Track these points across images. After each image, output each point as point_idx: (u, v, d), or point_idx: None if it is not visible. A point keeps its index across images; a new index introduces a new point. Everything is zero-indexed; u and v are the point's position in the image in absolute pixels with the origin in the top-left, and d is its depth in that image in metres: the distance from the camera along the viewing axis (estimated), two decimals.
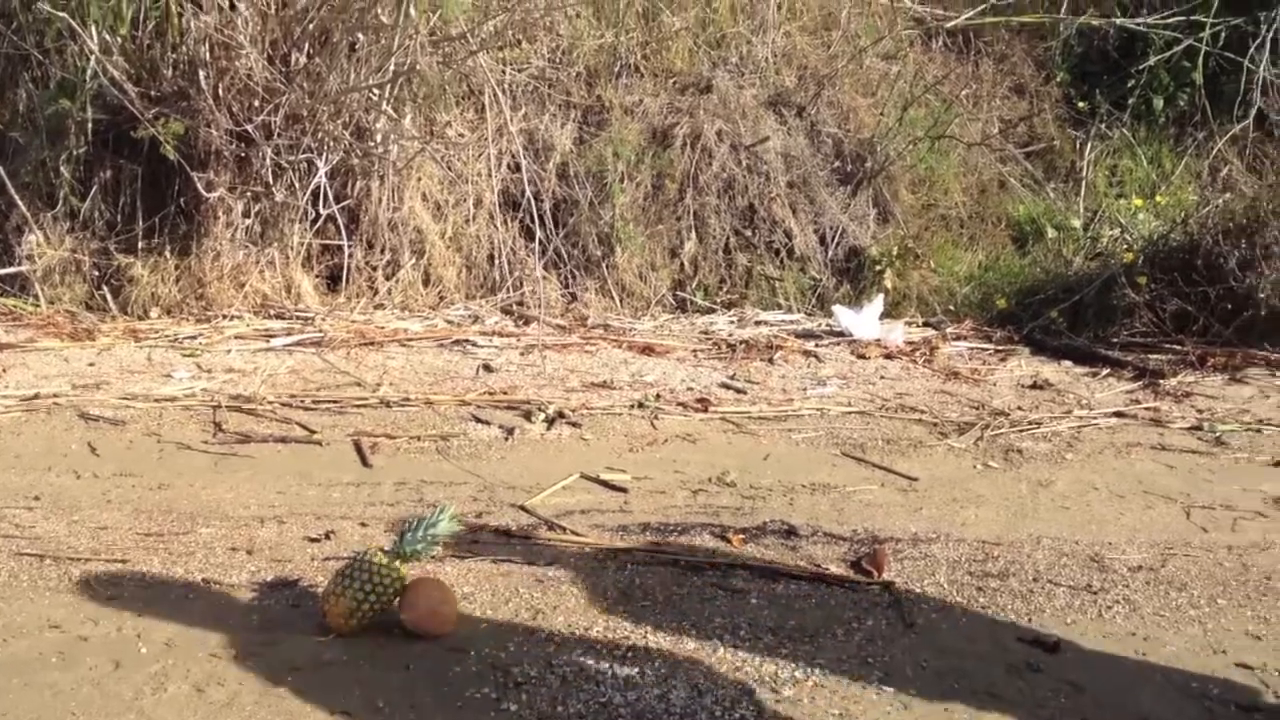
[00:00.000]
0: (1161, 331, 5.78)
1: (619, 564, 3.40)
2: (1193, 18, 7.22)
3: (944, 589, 3.34)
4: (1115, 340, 5.79)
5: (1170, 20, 7.22)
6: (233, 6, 5.56)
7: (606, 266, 6.11)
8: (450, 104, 6.09)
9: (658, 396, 4.75)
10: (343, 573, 3.00)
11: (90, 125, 5.58)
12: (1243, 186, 6.98)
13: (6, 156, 5.68)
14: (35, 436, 4.17)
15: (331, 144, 5.71)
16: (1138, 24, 7.35)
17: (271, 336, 5.26)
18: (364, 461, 4.10)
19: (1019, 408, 4.88)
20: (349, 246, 5.77)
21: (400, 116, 5.96)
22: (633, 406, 4.65)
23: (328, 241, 5.79)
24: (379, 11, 5.71)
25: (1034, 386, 5.20)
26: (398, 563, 2.99)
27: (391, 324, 5.54)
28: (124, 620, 3.04)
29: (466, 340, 5.39)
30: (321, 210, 5.70)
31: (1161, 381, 5.21)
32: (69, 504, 3.67)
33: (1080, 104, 7.74)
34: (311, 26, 5.63)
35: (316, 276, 5.83)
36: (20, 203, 5.55)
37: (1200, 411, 4.89)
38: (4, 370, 4.73)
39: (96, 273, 5.55)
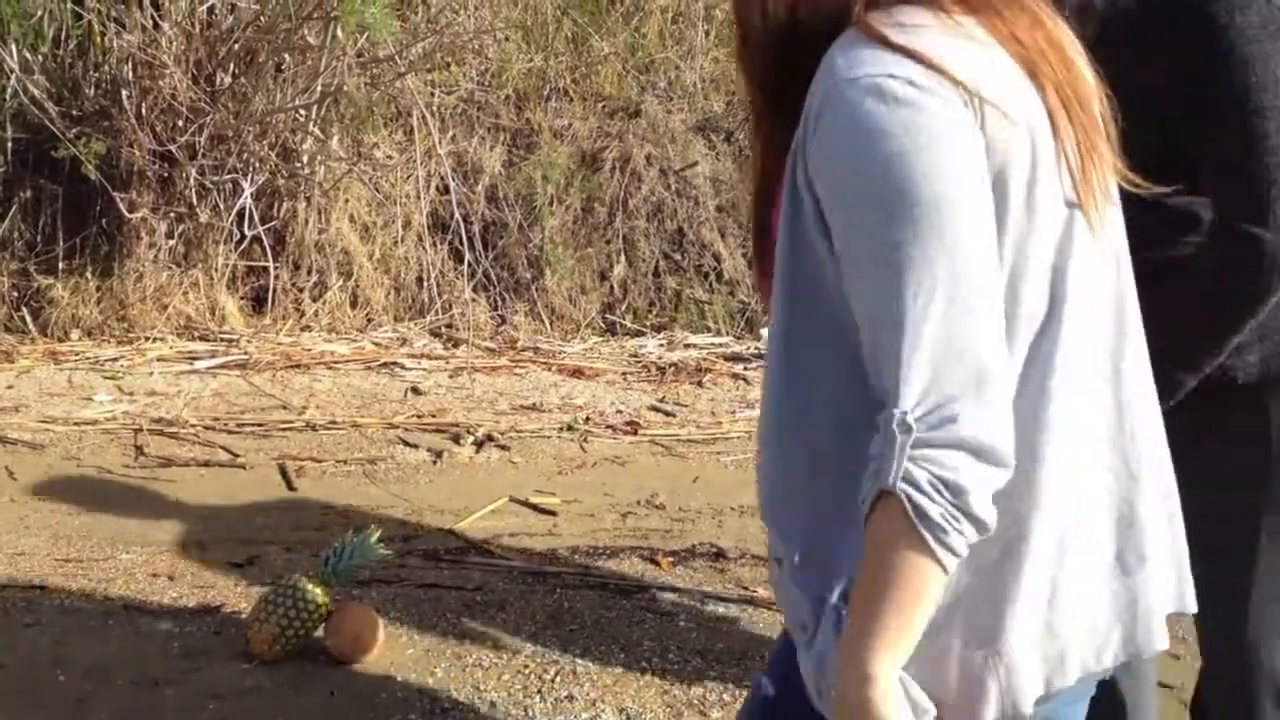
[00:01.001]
0: None
1: (548, 588, 3.40)
2: None
3: None
4: None
5: None
6: (156, 26, 5.50)
7: (536, 289, 6.11)
8: (378, 125, 6.06)
9: (587, 419, 4.75)
10: (266, 599, 2.97)
11: (10, 144, 5.48)
12: None
13: None
14: None
15: (257, 165, 5.66)
16: None
17: (195, 359, 5.19)
18: (289, 486, 4.05)
19: None
20: (275, 268, 5.71)
21: (327, 137, 5.92)
22: (562, 429, 4.65)
23: (253, 263, 5.72)
24: (306, 32, 5.67)
25: None
26: (321, 589, 2.96)
27: (319, 346, 5.49)
28: (41, 648, 2.98)
29: (395, 363, 5.35)
30: (247, 231, 5.64)
31: None
32: None
33: None
34: (237, 47, 5.58)
35: (241, 298, 5.76)
36: None
37: None
38: None
39: (15, 294, 5.45)
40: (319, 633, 2.98)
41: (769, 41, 1.26)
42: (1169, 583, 1.32)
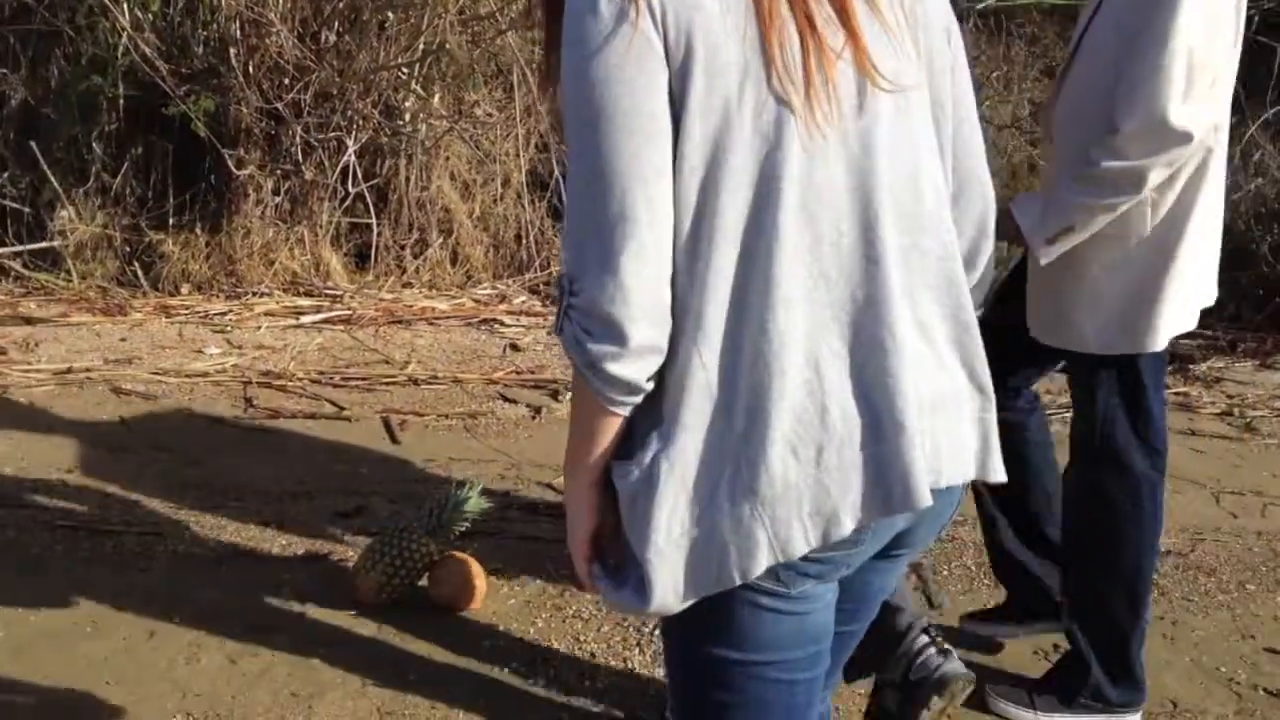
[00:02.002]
0: None
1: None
2: None
3: (971, 572, 3.34)
4: None
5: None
6: None
7: None
8: (479, 83, 6.08)
9: None
10: (373, 548, 3.03)
11: (122, 102, 5.60)
12: (1275, 171, 6.92)
13: (39, 133, 5.70)
14: (68, 410, 4.21)
15: (361, 122, 5.72)
16: None
17: (301, 314, 5.28)
18: (393, 439, 4.12)
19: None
20: (377, 225, 5.78)
21: (429, 95, 5.96)
22: None
23: (356, 220, 5.80)
24: None
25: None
26: (426, 540, 3.02)
27: (419, 302, 5.55)
28: (157, 592, 3.08)
29: (494, 319, 5.40)
30: (350, 189, 5.71)
31: (1191, 367, 5.18)
32: (102, 477, 3.70)
33: None
34: (341, 5, 5.63)
35: (345, 254, 5.84)
36: (53, 178, 5.58)
37: (1230, 397, 4.86)
38: (37, 344, 4.76)
39: (128, 249, 5.58)
40: (422, 582, 3.03)
41: None
42: (966, 450, 1.45)
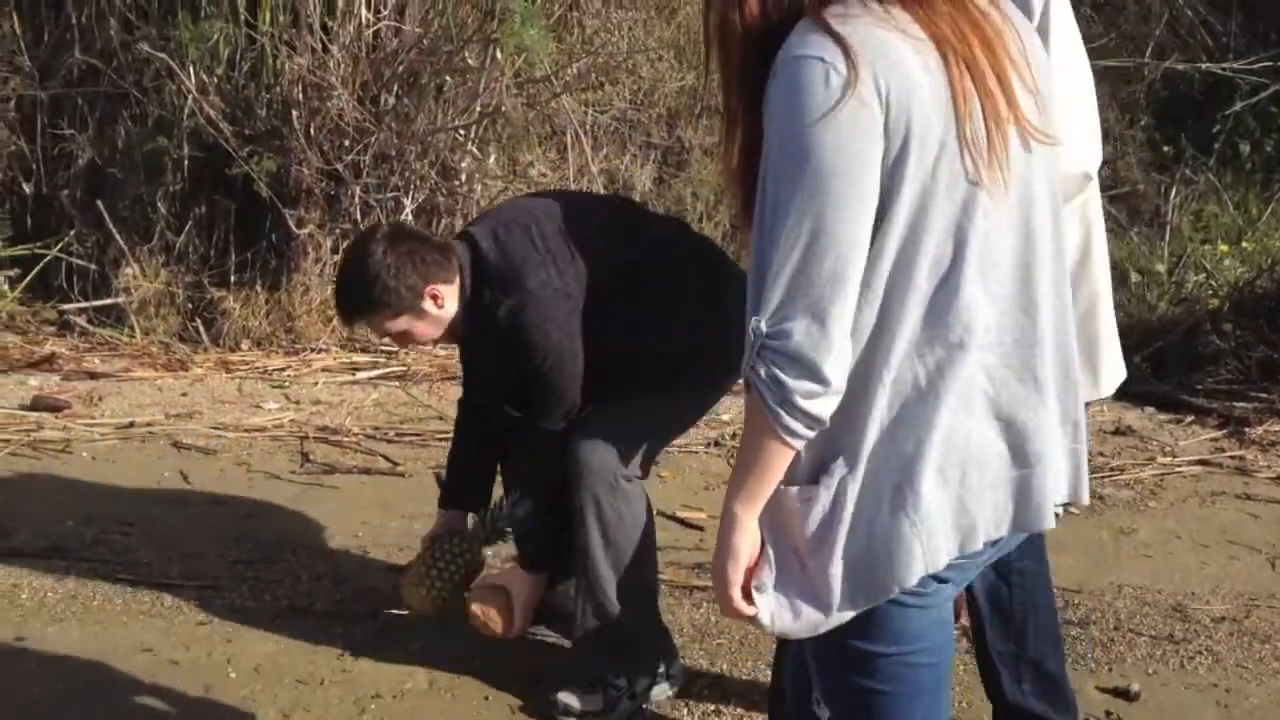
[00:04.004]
0: (1247, 379, 5.69)
1: (695, 602, 3.43)
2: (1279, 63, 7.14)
3: None
4: (1200, 387, 5.71)
5: (1257, 65, 7.15)
6: (325, 49, 5.71)
7: None
8: (533, 144, 6.18)
9: (733, 435, 4.78)
10: (421, 553, 3.04)
11: (186, 162, 5.74)
12: None
13: (105, 192, 5.86)
14: (130, 464, 4.30)
15: (418, 182, 5.83)
16: (1224, 69, 7.28)
17: (357, 369, 5.37)
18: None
19: (1101, 453, 4.83)
20: None
21: (485, 156, 6.07)
22: (709, 445, 4.68)
23: None
24: (467, 55, 5.83)
25: (1117, 432, 5.15)
26: (475, 541, 3.02)
27: None
28: (214, 645, 3.13)
29: None
30: None
31: (1247, 430, 5.13)
32: (161, 530, 3.77)
33: (1165, 148, 7.67)
34: (401, 69, 5.77)
35: None
36: (118, 237, 5.72)
37: None
38: (101, 399, 4.87)
39: (190, 305, 5.70)
40: (467, 594, 2.98)
41: (747, 39, 1.53)
42: (1062, 477, 1.62)
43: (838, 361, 1.47)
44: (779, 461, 1.52)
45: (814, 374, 1.46)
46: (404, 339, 2.98)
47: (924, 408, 1.52)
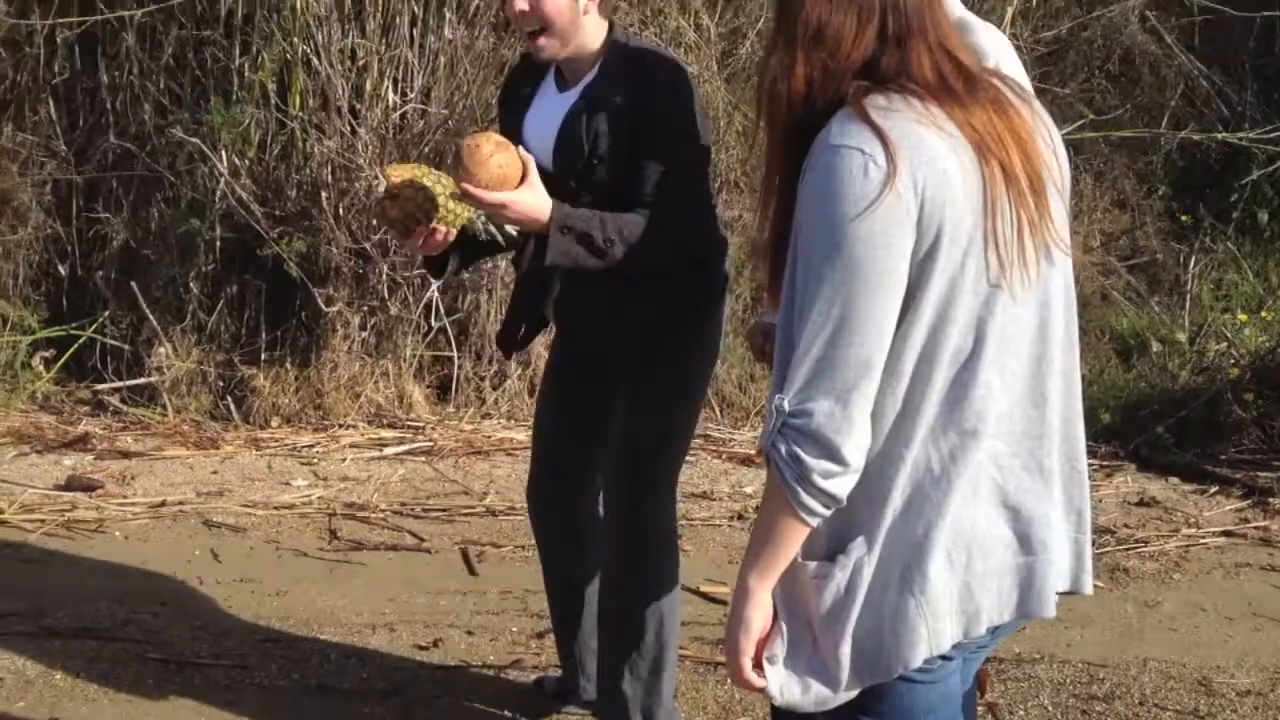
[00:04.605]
0: (1270, 449, 5.68)
1: (719, 678, 3.45)
2: None
3: (1048, 711, 3.33)
4: (1223, 457, 5.70)
5: (1273, 134, 7.20)
6: (354, 131, 5.84)
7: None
8: None
9: (757, 508, 4.81)
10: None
11: (218, 244, 5.87)
12: None
13: (139, 273, 5.98)
14: (161, 543, 4.36)
15: None
16: (1240, 138, 7.34)
17: (384, 445, 5.43)
18: (470, 570, 4.21)
19: (1125, 525, 4.84)
20: (458, 358, 5.96)
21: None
22: (733, 518, 4.71)
23: (438, 353, 5.98)
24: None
25: (1141, 503, 5.15)
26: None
27: (498, 433, 5.68)
28: None
29: None
30: (433, 323, 5.90)
31: (1271, 500, 5.12)
32: (192, 609, 3.82)
33: (1184, 217, 7.71)
34: (427, 149, 5.89)
35: (427, 386, 6.01)
36: (151, 317, 5.83)
37: None
38: (133, 478, 4.95)
39: (221, 383, 5.79)
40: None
41: (793, 121, 1.60)
42: (1065, 566, 1.67)
43: (858, 443, 1.52)
44: (795, 537, 1.57)
45: (833, 454, 1.51)
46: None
47: (936, 492, 1.57)
